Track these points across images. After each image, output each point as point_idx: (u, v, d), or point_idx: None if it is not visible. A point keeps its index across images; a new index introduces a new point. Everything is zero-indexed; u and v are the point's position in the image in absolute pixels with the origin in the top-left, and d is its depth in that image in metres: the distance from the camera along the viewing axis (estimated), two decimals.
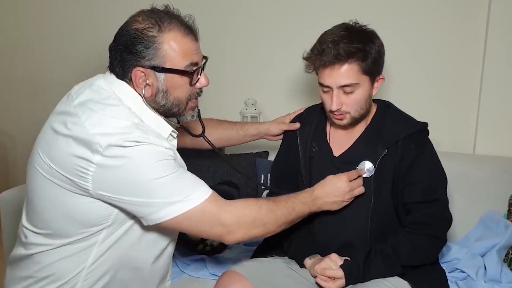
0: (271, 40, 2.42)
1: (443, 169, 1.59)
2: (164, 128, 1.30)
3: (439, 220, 1.53)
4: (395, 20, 2.19)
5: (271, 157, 2.17)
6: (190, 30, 1.27)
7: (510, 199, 1.93)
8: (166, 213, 1.18)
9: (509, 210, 1.93)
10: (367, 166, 1.54)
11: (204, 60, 1.32)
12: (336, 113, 1.52)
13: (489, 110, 2.15)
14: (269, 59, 2.44)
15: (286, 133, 1.76)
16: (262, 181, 2.08)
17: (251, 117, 2.39)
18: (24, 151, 3.00)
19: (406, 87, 2.23)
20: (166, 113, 1.31)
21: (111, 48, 1.26)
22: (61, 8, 2.75)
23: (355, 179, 1.49)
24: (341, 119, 1.55)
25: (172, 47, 1.22)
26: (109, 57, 1.27)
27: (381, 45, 1.51)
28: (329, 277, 1.47)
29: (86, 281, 1.25)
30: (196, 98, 1.35)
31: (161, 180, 1.17)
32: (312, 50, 1.53)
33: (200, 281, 1.76)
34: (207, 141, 1.53)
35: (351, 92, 1.49)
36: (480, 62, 2.15)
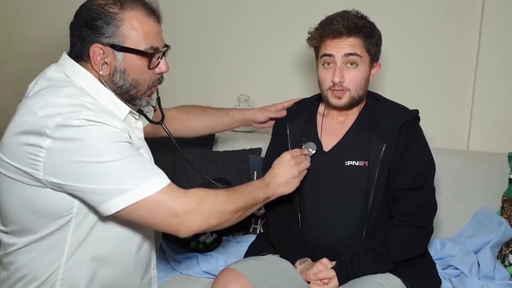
0: (265, 36, 2.41)
1: (432, 156, 1.59)
2: (121, 108, 1.25)
3: (424, 209, 1.54)
4: (389, 17, 2.18)
5: (264, 154, 2.16)
6: (152, 11, 1.24)
7: (503, 196, 1.94)
8: (117, 202, 1.11)
9: (502, 207, 1.93)
10: (310, 147, 1.55)
11: (166, 48, 1.29)
12: (336, 87, 1.53)
13: (483, 107, 2.15)
14: (262, 55, 2.42)
15: (275, 126, 1.75)
16: (255, 178, 2.07)
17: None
18: None
19: (399, 83, 2.23)
20: (123, 95, 1.26)
21: (71, 26, 1.23)
22: (56, 9, 2.72)
23: (298, 155, 1.48)
24: (339, 97, 1.54)
25: (133, 26, 1.20)
26: (70, 35, 1.24)
27: (380, 34, 1.59)
28: (322, 280, 1.46)
29: (64, 280, 1.21)
30: (156, 85, 1.31)
31: (112, 164, 1.11)
32: (320, 23, 1.57)
33: (193, 278, 1.75)
34: (165, 130, 1.46)
35: (354, 67, 1.52)
36: (473, 58, 2.15)
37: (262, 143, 2.20)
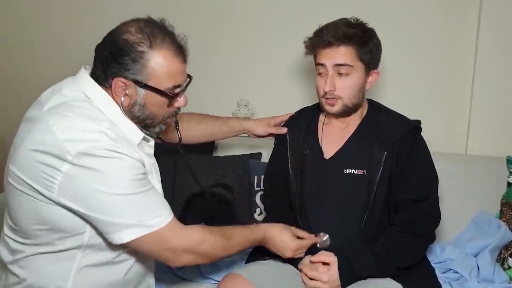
0: (265, 41, 2.41)
1: (434, 167, 1.60)
2: (135, 133, 1.27)
3: (428, 218, 1.55)
4: (387, 20, 2.19)
5: (264, 159, 2.17)
6: (180, 50, 1.25)
7: (502, 199, 1.94)
8: (124, 235, 1.17)
9: (501, 210, 1.94)
10: (324, 238, 1.55)
11: (188, 80, 1.30)
12: (328, 96, 1.54)
13: (481, 110, 2.16)
14: (261, 60, 2.43)
15: (278, 137, 1.76)
16: (255, 183, 2.07)
17: (243, 117, 2.38)
18: None
19: (398, 87, 2.24)
20: (139, 124, 1.28)
21: (98, 49, 1.24)
22: (51, 7, 2.72)
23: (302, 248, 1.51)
24: (332, 105, 1.56)
25: (159, 66, 1.20)
26: (94, 56, 1.25)
27: (379, 41, 1.58)
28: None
29: None
30: (172, 117, 1.34)
31: (125, 197, 1.16)
32: (314, 33, 1.58)
33: (194, 284, 1.75)
34: (180, 151, 1.53)
35: (345, 76, 1.52)
36: (471, 62, 2.16)
37: (262, 148, 2.20)
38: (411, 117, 1.65)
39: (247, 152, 2.19)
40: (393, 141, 1.54)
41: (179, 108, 1.33)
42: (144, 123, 1.28)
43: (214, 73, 2.47)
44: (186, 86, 1.30)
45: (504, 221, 1.90)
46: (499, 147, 2.13)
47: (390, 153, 1.53)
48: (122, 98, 1.22)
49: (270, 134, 1.80)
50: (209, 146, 2.23)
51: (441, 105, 2.24)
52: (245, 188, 2.09)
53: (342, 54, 1.50)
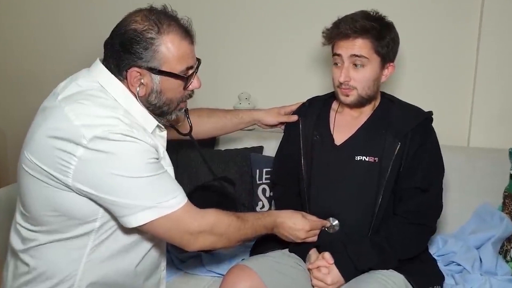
0: (265, 34, 2.40)
1: (442, 158, 1.62)
2: (150, 121, 1.29)
3: (431, 208, 1.56)
4: (389, 14, 2.17)
5: (266, 152, 2.17)
6: (187, 33, 1.27)
7: (504, 192, 1.94)
8: (140, 217, 1.18)
9: (504, 203, 1.93)
10: (334, 223, 1.57)
11: (197, 63, 1.32)
12: (343, 86, 1.56)
13: (483, 103, 2.15)
14: (263, 54, 2.42)
15: (288, 126, 1.77)
16: (257, 177, 2.07)
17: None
18: (14, 148, 2.97)
19: (400, 80, 2.23)
20: (155, 111, 1.30)
21: (107, 45, 1.25)
22: (52, 4, 2.72)
23: (315, 229, 1.54)
24: (347, 95, 1.57)
25: (169, 50, 1.23)
26: (104, 53, 1.26)
27: (396, 35, 1.59)
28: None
29: (82, 281, 1.24)
30: (186, 100, 1.36)
31: (140, 180, 1.16)
32: (332, 23, 1.59)
33: (197, 277, 1.76)
34: (193, 141, 1.56)
35: (360, 67, 1.53)
36: (473, 54, 2.15)
37: (264, 141, 2.20)
38: None
39: (249, 146, 2.19)
40: (407, 131, 1.55)
41: (193, 91, 1.35)
42: (160, 110, 1.30)
43: (216, 66, 2.46)
44: (197, 68, 1.32)
45: (506, 213, 1.90)
46: (502, 139, 2.12)
47: (403, 144, 1.54)
48: (138, 88, 1.24)
49: (281, 123, 1.80)
50: (210, 140, 2.23)
51: (443, 98, 2.23)
52: (247, 181, 2.09)
53: (358, 46, 1.52)
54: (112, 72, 1.25)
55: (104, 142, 1.13)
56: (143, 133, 1.21)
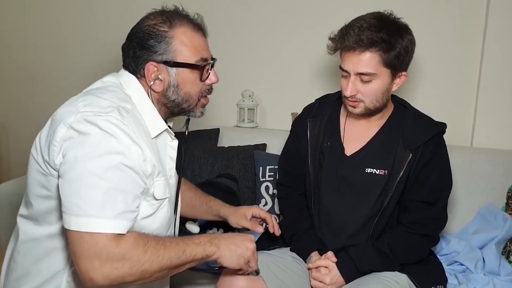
0: (270, 32, 2.40)
1: (451, 173, 1.59)
2: (158, 123, 1.27)
3: (436, 221, 1.55)
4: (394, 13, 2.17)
5: (269, 150, 2.17)
6: (198, 26, 1.30)
7: (508, 192, 1.94)
8: (73, 222, 1.05)
9: (507, 203, 1.93)
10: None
11: (213, 59, 1.34)
12: (350, 99, 1.50)
13: (487, 103, 2.15)
14: (267, 51, 2.42)
15: (295, 123, 1.74)
16: (260, 174, 2.07)
17: (248, 108, 2.37)
18: (16, 143, 2.96)
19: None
20: (175, 108, 1.30)
21: (124, 47, 1.28)
22: (56, 3, 2.72)
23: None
24: (354, 107, 1.51)
25: (183, 42, 1.24)
26: (122, 56, 1.29)
27: (411, 41, 1.46)
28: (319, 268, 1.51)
29: (69, 282, 1.21)
30: (207, 96, 1.36)
31: (96, 180, 1.05)
32: (338, 32, 1.49)
33: (199, 273, 1.75)
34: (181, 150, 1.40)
35: (368, 82, 1.45)
36: (478, 55, 2.15)
37: (267, 138, 2.20)
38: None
39: (252, 143, 2.19)
40: (419, 144, 1.51)
41: (211, 87, 1.36)
42: (180, 107, 1.30)
43: (219, 64, 2.41)
44: (213, 65, 1.34)
45: (510, 213, 1.90)
46: (505, 139, 2.13)
47: (415, 155, 1.51)
48: (151, 82, 1.25)
49: (294, 123, 1.74)
50: (214, 136, 2.23)
51: (447, 98, 2.23)
52: (250, 178, 2.09)
53: (364, 62, 1.42)
54: (131, 73, 1.27)
55: (86, 124, 1.10)
56: (139, 135, 1.15)
